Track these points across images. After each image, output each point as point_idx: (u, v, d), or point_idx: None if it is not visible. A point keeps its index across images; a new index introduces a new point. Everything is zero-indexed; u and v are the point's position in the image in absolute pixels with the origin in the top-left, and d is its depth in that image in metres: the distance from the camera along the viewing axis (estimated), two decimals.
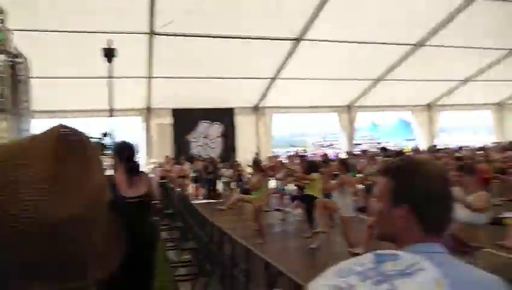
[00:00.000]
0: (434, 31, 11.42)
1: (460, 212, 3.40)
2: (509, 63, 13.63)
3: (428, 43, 11.92)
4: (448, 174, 1.42)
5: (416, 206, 1.02)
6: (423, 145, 15.90)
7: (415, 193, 1.04)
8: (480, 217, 3.78)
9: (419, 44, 11.98)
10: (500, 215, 8.12)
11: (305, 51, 11.18)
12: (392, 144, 25.28)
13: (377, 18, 10.31)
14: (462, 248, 3.52)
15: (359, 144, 25.86)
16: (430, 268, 0.59)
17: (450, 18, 10.84)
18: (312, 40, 10.84)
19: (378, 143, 26.52)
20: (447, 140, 21.32)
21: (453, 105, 16.63)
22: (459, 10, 10.53)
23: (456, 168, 4.62)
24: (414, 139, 18.93)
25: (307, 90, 13.57)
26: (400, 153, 10.62)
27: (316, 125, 27.04)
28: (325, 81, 13.23)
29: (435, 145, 14.49)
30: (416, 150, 13.80)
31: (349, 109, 15.69)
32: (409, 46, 12.16)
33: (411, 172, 1.09)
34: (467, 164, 4.87)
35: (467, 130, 24.20)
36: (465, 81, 14.96)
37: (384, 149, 12.22)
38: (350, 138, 16.00)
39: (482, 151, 11.12)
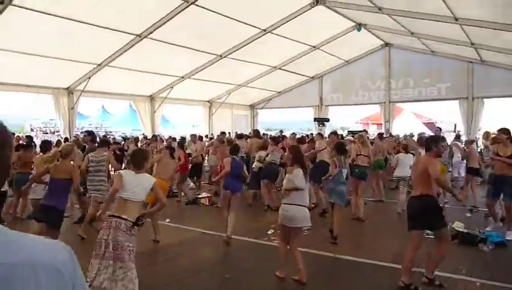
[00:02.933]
0: (157, 26, 11.99)
1: None
2: (217, 66, 15.92)
3: (151, 36, 12.45)
4: None
5: None
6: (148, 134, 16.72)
7: None
8: None
9: (143, 36, 12.35)
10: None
11: (13, 19, 9.66)
12: (120, 133, 25.38)
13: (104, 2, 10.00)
14: None
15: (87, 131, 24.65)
16: None
17: (171, 16, 11.60)
18: (21, 8, 9.46)
19: (109, 132, 26.08)
20: (168, 131, 23.20)
21: (172, 98, 18.03)
22: (178, 11, 11.41)
23: None
24: (140, 129, 19.39)
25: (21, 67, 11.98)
26: None
27: (34, 108, 24.31)
28: (40, 58, 11.94)
29: None
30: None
31: (69, 92, 14.63)
32: (132, 36, 12.35)
33: None
34: None
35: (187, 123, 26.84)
36: (183, 77, 16.55)
37: None
38: (70, 123, 14.91)
39: None
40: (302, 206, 4.84)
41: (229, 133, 19.04)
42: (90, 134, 8.23)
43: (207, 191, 10.95)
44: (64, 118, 14.70)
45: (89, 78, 13.96)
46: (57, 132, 20.06)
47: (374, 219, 8.24)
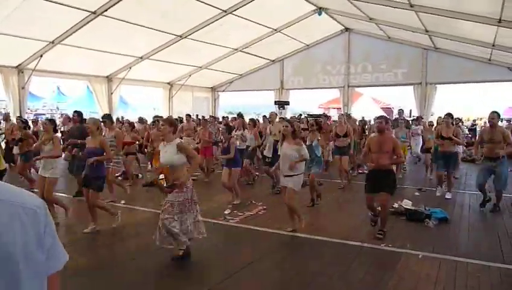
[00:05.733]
0: (113, 3, 11.52)
1: None
2: (177, 46, 15.59)
3: (106, 13, 11.95)
4: None
5: None
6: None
7: None
8: None
9: (98, 13, 11.86)
10: None
11: None
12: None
13: None
14: None
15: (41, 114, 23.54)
16: None
17: None
18: None
19: (63, 114, 24.92)
20: (127, 114, 22.57)
21: (130, 80, 17.52)
22: None
23: None
24: (97, 112, 18.68)
25: None
26: None
27: None
28: None
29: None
30: None
31: (19, 71, 13.88)
32: (86, 13, 11.83)
33: None
34: None
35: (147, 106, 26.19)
36: (141, 58, 16.10)
37: None
38: (21, 103, 14.17)
39: None
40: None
41: (196, 115, 18.77)
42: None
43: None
44: (14, 99, 13.97)
45: (41, 56, 13.29)
46: (7, 113, 19.00)
47: (327, 198, 8.48)
